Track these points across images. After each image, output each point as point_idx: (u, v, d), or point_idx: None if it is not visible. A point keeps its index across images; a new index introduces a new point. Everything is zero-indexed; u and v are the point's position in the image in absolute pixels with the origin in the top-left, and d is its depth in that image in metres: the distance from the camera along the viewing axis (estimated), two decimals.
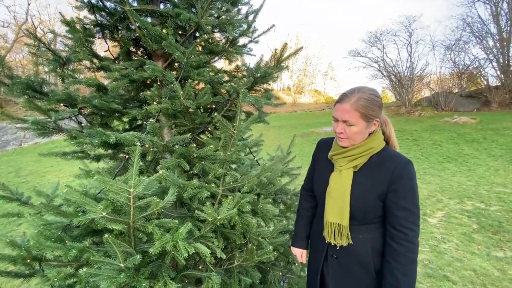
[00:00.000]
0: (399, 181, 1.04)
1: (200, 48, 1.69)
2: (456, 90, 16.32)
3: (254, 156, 1.85)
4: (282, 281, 1.76)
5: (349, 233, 1.12)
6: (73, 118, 1.45)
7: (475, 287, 2.59)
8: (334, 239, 1.14)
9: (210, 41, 1.68)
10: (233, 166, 1.86)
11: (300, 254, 1.43)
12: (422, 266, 2.96)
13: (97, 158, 1.67)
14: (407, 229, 1.03)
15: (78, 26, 1.45)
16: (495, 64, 15.36)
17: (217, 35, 1.74)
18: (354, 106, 1.05)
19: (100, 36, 1.55)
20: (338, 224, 1.12)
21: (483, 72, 15.98)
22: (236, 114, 1.15)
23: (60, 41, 1.54)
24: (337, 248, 1.16)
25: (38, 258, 1.11)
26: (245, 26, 1.71)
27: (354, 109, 1.05)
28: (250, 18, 1.74)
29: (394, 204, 1.05)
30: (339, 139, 1.13)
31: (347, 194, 1.10)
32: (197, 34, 1.63)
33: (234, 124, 1.17)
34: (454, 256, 3.14)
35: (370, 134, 1.13)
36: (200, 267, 1.37)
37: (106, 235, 0.93)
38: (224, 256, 1.23)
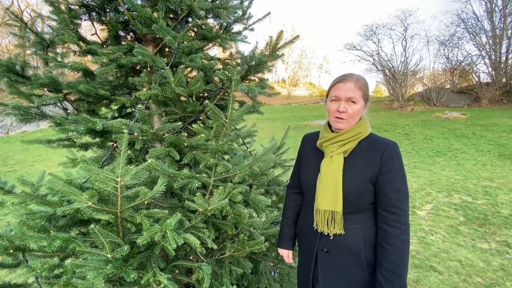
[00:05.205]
0: (390, 162, 1.07)
1: (192, 34, 1.63)
2: (448, 86, 16.54)
3: (247, 147, 1.82)
4: (273, 271, 1.77)
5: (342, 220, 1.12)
6: (58, 104, 1.39)
7: (460, 277, 2.67)
8: (327, 227, 1.13)
9: (203, 27, 1.62)
10: (226, 157, 1.83)
11: (287, 255, 1.43)
12: (409, 257, 3.03)
13: (85, 147, 1.61)
14: (399, 209, 1.05)
15: (62, 7, 1.37)
16: (487, 60, 15.61)
17: (210, 21, 1.68)
18: (358, 84, 1.10)
19: (86, 18, 1.47)
20: (332, 211, 1.11)
21: (475, 69, 16.22)
22: (228, 103, 1.12)
23: (45, 22, 1.46)
24: (330, 238, 1.15)
25: (21, 248, 1.07)
26: (240, 12, 1.65)
27: (358, 87, 1.09)
28: (246, 4, 1.68)
29: (386, 186, 1.07)
30: (338, 121, 1.12)
31: (339, 179, 1.09)
32: (190, 20, 1.56)
33: (227, 113, 1.14)
34: (441, 248, 3.23)
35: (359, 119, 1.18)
36: (191, 258, 1.35)
37: (92, 225, 0.90)
38: (215, 247, 1.22)
